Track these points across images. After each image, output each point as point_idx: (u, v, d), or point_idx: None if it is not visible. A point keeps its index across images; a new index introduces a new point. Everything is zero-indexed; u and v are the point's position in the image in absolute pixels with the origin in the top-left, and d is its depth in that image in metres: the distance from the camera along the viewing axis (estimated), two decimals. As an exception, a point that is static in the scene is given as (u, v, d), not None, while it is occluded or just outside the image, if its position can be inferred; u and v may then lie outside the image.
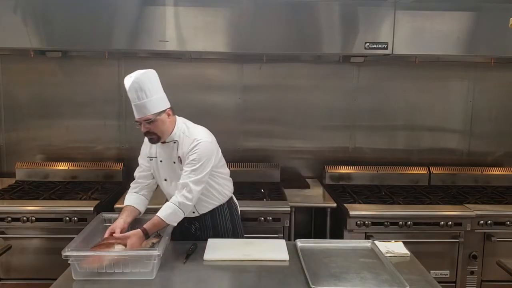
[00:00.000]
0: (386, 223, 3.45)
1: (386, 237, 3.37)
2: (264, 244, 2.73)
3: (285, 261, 2.54)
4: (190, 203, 2.66)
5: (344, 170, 4.29)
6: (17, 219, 3.40)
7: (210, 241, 2.75)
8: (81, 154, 4.31)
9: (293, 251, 2.66)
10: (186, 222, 2.87)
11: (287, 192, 3.84)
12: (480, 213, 3.50)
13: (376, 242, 2.74)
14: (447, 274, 3.53)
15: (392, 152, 4.41)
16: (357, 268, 2.45)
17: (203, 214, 2.91)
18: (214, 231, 2.92)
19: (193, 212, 2.88)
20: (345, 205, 3.55)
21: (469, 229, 3.48)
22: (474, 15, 3.56)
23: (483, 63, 4.25)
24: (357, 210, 3.47)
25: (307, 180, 4.24)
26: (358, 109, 4.35)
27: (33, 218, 3.40)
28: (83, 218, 3.40)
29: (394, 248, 2.70)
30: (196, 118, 4.20)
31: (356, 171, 4.29)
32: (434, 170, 4.31)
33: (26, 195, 3.71)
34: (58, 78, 4.22)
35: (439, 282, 2.38)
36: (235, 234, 2.99)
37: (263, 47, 3.65)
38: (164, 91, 4.26)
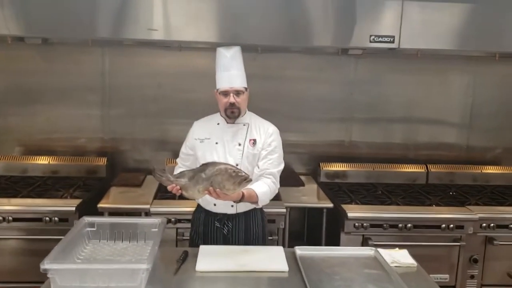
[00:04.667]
0: (385, 225, 3.30)
1: (384, 240, 3.28)
2: (261, 252, 2.55)
3: (284, 272, 2.36)
4: (276, 192, 2.72)
5: (339, 167, 4.13)
6: (-7, 219, 3.17)
7: (202, 248, 2.55)
8: (62, 147, 4.08)
9: (291, 259, 2.47)
10: (217, 222, 2.74)
11: (281, 190, 3.63)
12: (482, 216, 3.37)
13: (380, 250, 2.57)
14: (446, 278, 3.40)
15: (388, 147, 4.26)
16: (361, 280, 2.28)
17: (238, 214, 2.74)
18: (245, 234, 2.77)
19: (232, 206, 2.71)
20: (342, 206, 3.39)
21: (471, 232, 3.35)
22: (485, 8, 3.38)
23: (485, 57, 4.10)
24: (355, 212, 3.31)
25: (301, 177, 4.06)
26: (354, 102, 4.19)
27: (10, 218, 3.17)
28: (64, 219, 3.20)
29: (400, 257, 2.53)
30: (186, 109, 4.06)
31: (351, 169, 4.13)
32: (432, 168, 4.18)
33: (2, 192, 3.46)
34: (38, 66, 3.96)
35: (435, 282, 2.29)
36: (264, 240, 2.85)
37: (257, 38, 3.44)
38: (152, 81, 4.11)
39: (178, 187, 2.45)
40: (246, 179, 2.39)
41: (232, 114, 2.69)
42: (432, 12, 3.31)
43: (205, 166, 2.45)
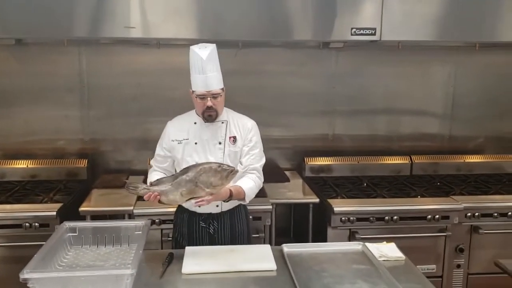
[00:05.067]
0: (371, 218, 3.29)
1: (371, 233, 3.28)
2: (248, 252, 2.50)
3: (272, 271, 2.32)
4: (261, 186, 2.72)
5: (324, 161, 4.11)
6: (-30, 227, 3.07)
7: (188, 250, 2.50)
8: (41, 150, 3.97)
9: (279, 257, 2.44)
10: (203, 222, 2.70)
11: (266, 186, 3.59)
12: (467, 206, 3.38)
13: (367, 245, 2.55)
14: (433, 269, 3.41)
15: (372, 140, 4.25)
16: (351, 276, 2.25)
17: (223, 213, 2.70)
18: (231, 232, 2.73)
19: (217, 206, 2.67)
20: (328, 200, 3.37)
21: (457, 222, 3.36)
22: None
23: (466, 47, 4.10)
24: (342, 206, 3.28)
25: (285, 172, 4.03)
26: (337, 95, 4.16)
27: (-12, 225, 3.07)
28: (45, 224, 3.11)
29: (387, 251, 2.52)
30: (167, 107, 3.97)
31: (336, 162, 4.11)
32: (416, 159, 4.18)
33: (-20, 199, 3.36)
34: (12, 67, 3.84)
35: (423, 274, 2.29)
36: (249, 237, 2.83)
37: (237, 34, 3.39)
38: (131, 80, 4.03)
39: (156, 193, 2.38)
40: (232, 171, 2.37)
41: (209, 117, 2.61)
42: (413, 3, 3.30)
43: (186, 169, 2.41)
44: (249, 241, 2.84)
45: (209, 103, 2.57)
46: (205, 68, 2.54)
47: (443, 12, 3.39)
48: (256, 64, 3.99)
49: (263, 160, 2.75)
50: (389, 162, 4.16)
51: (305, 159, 4.11)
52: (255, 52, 3.95)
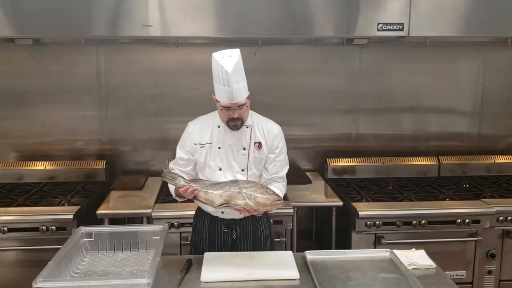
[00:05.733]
0: (398, 223, 3.15)
1: (398, 238, 3.15)
2: (269, 258, 2.40)
3: (295, 279, 2.21)
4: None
5: (347, 162, 3.97)
6: (-13, 230, 3.03)
7: (207, 256, 2.41)
8: (59, 151, 3.93)
9: (302, 265, 2.33)
10: (225, 227, 2.59)
11: (287, 189, 3.47)
12: (499, 209, 3.22)
13: (395, 252, 2.42)
14: (463, 275, 3.26)
15: (398, 139, 4.10)
16: (378, 286, 2.13)
17: (245, 218, 2.59)
18: (254, 237, 2.63)
19: (240, 213, 2.52)
20: (353, 203, 3.24)
21: (488, 226, 3.20)
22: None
23: (495, 42, 3.93)
24: (367, 210, 3.15)
25: (307, 173, 3.91)
26: (360, 93, 4.02)
27: (5, 228, 3.02)
28: (62, 227, 3.05)
29: (417, 258, 2.38)
30: (186, 107, 3.90)
31: (360, 163, 3.97)
32: (444, 160, 4.01)
33: (-3, 201, 3.33)
34: (30, 68, 3.80)
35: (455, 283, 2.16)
36: (271, 243, 2.72)
37: (257, 31, 3.27)
38: (150, 80, 3.96)
39: (194, 187, 2.31)
40: (280, 202, 2.29)
41: (235, 127, 2.47)
42: (443, -4, 3.15)
43: (235, 180, 2.38)
44: (271, 246, 2.73)
45: (235, 115, 2.42)
46: (231, 80, 2.33)
47: (473, 5, 3.22)
48: (276, 62, 3.87)
49: (288, 167, 2.66)
50: (416, 163, 4.00)
51: (327, 160, 3.98)
52: (275, 50, 3.84)
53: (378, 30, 3.07)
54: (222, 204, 2.31)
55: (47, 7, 3.12)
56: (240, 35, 3.24)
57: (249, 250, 2.59)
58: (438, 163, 4.00)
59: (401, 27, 3.07)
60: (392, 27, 3.06)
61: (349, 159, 3.99)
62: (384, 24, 3.07)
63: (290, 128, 3.91)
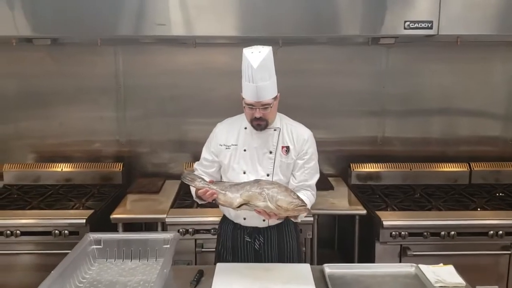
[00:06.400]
0: (425, 233, 2.96)
1: (424, 250, 2.98)
2: (284, 271, 2.26)
3: (311, 295, 2.07)
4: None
5: (372, 168, 3.79)
6: (0, 233, 2.97)
7: (219, 267, 2.29)
8: (76, 152, 3.88)
9: (320, 279, 2.19)
10: (247, 236, 2.47)
11: (308, 195, 3.35)
12: (536, 220, 3.00)
13: (421, 267, 2.25)
14: (495, 291, 3.05)
15: (426, 144, 3.90)
16: (401, 306, 1.98)
17: (270, 227, 2.46)
18: (279, 249, 2.48)
19: (263, 220, 2.42)
20: (377, 212, 3.07)
21: (523, 239, 2.99)
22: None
23: (530, 42, 3.68)
24: (392, 220, 2.98)
25: (329, 179, 3.75)
26: (387, 95, 3.84)
27: (17, 232, 2.97)
28: (75, 232, 2.98)
29: (445, 275, 2.20)
30: (205, 108, 3.81)
31: (385, 169, 3.78)
32: (475, 167, 3.79)
33: (12, 204, 3.29)
34: (48, 68, 3.76)
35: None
36: (299, 255, 2.57)
37: (278, 30, 3.13)
38: (168, 80, 3.87)
39: (213, 190, 2.22)
40: (304, 208, 2.15)
41: (258, 126, 2.37)
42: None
43: (257, 180, 2.26)
44: (299, 258, 2.58)
45: (258, 114, 2.32)
46: (256, 77, 2.25)
47: (508, 3, 3.00)
48: (298, 63, 3.71)
49: (318, 175, 2.52)
50: (445, 169, 3.79)
51: (351, 165, 3.80)
52: (297, 49, 3.70)
53: (405, 28, 2.87)
54: (241, 205, 2.18)
55: (64, 6, 3.05)
56: (259, 35, 3.10)
57: (274, 262, 2.45)
58: (469, 169, 3.78)
59: (430, 25, 2.87)
60: (420, 25, 2.86)
61: (374, 165, 3.80)
62: (411, 22, 2.88)
63: (312, 130, 3.76)
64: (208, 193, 2.24)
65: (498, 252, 3.01)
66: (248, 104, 2.32)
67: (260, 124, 2.36)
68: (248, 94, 2.30)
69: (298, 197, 2.17)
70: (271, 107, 2.34)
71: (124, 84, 3.81)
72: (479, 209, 3.19)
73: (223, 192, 2.22)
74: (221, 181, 2.36)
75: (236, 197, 2.18)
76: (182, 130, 3.87)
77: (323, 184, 3.57)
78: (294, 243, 2.53)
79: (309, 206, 2.34)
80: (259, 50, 2.27)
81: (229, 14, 3.07)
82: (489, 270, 3.04)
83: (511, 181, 3.77)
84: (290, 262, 2.48)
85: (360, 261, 3.25)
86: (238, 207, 2.18)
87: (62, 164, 3.79)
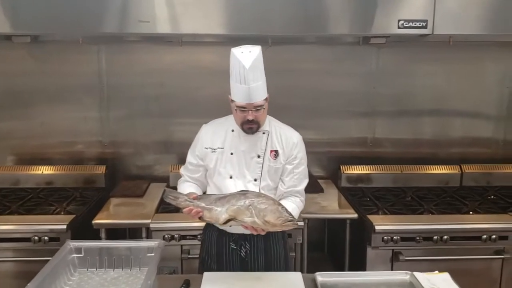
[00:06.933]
0: (418, 238, 2.89)
1: (417, 255, 2.92)
2: (276, 280, 2.17)
3: (303, 306, 1.99)
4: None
5: (362, 170, 3.71)
6: (-24, 240, 2.85)
7: (207, 276, 2.19)
8: (58, 154, 3.74)
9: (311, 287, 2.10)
10: (233, 243, 2.37)
11: (299, 198, 3.27)
12: (530, 224, 2.94)
13: (416, 274, 2.17)
14: (488, 295, 3.00)
15: (417, 145, 3.84)
16: (397, 317, 1.90)
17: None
18: (266, 257, 2.38)
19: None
20: (368, 216, 2.99)
21: (516, 242, 2.93)
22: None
23: (522, 42, 3.64)
24: (384, 224, 2.90)
25: (319, 181, 3.66)
26: (377, 95, 3.77)
27: (-6, 238, 2.84)
28: (55, 238, 2.85)
29: (440, 283, 2.13)
30: (192, 108, 3.70)
31: (376, 171, 3.71)
32: (466, 169, 3.73)
33: (-11, 209, 3.14)
34: (28, 67, 3.62)
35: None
36: (286, 262, 2.48)
37: (267, 29, 3.03)
38: (154, 80, 3.75)
39: (199, 209, 2.11)
40: (292, 222, 2.05)
41: (249, 130, 2.27)
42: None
43: (244, 191, 2.15)
44: (286, 266, 2.48)
45: (250, 117, 2.22)
46: (248, 78, 2.16)
47: (503, 2, 2.94)
48: (287, 62, 3.62)
49: (307, 180, 2.44)
50: (436, 171, 3.73)
51: (341, 167, 3.73)
52: (286, 49, 3.60)
53: (398, 27, 2.80)
54: (228, 220, 2.09)
55: (44, 2, 2.93)
56: (248, 33, 3.00)
57: (261, 270, 2.36)
58: (460, 171, 3.73)
59: (424, 24, 2.79)
60: (415, 24, 2.78)
61: (364, 167, 3.73)
62: (405, 21, 2.80)
63: (301, 131, 3.63)
64: (193, 211, 2.14)
65: (491, 256, 2.96)
66: (239, 107, 2.22)
67: (251, 127, 2.26)
68: (239, 96, 2.20)
69: (287, 211, 2.08)
70: (264, 108, 2.25)
71: (107, 84, 3.69)
72: (471, 213, 3.14)
73: (209, 207, 2.12)
74: (205, 195, 2.26)
75: (222, 213, 2.08)
76: (168, 131, 3.75)
77: (312, 187, 3.50)
78: (281, 250, 2.44)
79: (297, 214, 2.28)
80: (249, 50, 2.18)
81: (216, 11, 2.97)
82: (482, 274, 2.98)
83: (503, 183, 3.72)
84: (277, 269, 2.39)
85: (351, 266, 3.18)
86: (225, 223, 2.09)
87: (42, 167, 3.66)
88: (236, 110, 2.24)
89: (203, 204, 2.14)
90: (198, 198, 2.19)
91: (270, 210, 2.04)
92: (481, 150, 3.86)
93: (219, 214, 2.09)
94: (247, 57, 2.15)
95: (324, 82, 3.72)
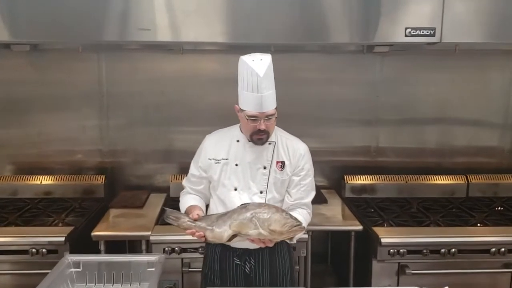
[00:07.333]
0: (425, 251, 2.82)
1: (424, 268, 2.85)
2: (278, 297, 2.11)
3: (308, 325, 1.92)
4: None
5: (366, 180, 3.65)
6: (-28, 253, 2.78)
7: (207, 292, 2.13)
8: (56, 164, 3.68)
9: (317, 305, 2.04)
10: (237, 259, 2.30)
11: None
12: (540, 237, 2.87)
13: (424, 291, 2.11)
14: (497, 310, 2.92)
15: (421, 154, 3.77)
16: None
17: (262, 248, 2.25)
18: (271, 271, 2.32)
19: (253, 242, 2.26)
20: (374, 228, 2.92)
21: (526, 255, 2.86)
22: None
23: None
24: (390, 237, 2.83)
25: (322, 191, 3.59)
26: (381, 104, 3.71)
27: (-9, 251, 2.77)
28: (53, 250, 2.78)
29: (449, 300, 2.07)
30: (193, 117, 3.64)
31: (380, 182, 3.64)
32: (472, 179, 3.66)
33: (-15, 220, 3.07)
34: (27, 75, 3.56)
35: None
36: (292, 276, 2.40)
37: (269, 37, 2.97)
38: (154, 88, 3.70)
39: (201, 233, 2.06)
40: (299, 227, 1.99)
41: (259, 141, 2.21)
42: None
43: (244, 204, 2.09)
44: (292, 281, 2.41)
45: (262, 126, 2.16)
46: (261, 86, 2.10)
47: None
48: (289, 71, 3.53)
49: (314, 192, 2.40)
50: (441, 182, 3.66)
51: (345, 177, 3.66)
52: (288, 57, 3.53)
53: (406, 35, 2.73)
54: (232, 237, 2.03)
55: (44, 10, 2.87)
56: (250, 41, 2.95)
57: (266, 286, 2.30)
58: (466, 182, 3.66)
59: (432, 32, 2.73)
60: (422, 32, 2.72)
61: (368, 177, 3.66)
62: (413, 28, 2.74)
63: (303, 140, 3.60)
64: (196, 235, 2.09)
65: (500, 270, 2.87)
66: (250, 116, 2.15)
67: (261, 138, 2.21)
68: (251, 105, 2.14)
69: (291, 216, 2.02)
70: (276, 117, 2.21)
71: (107, 92, 3.64)
72: (479, 225, 3.08)
73: (210, 228, 2.07)
74: (207, 216, 2.20)
75: (225, 230, 2.03)
76: (168, 139, 3.69)
77: (316, 197, 3.36)
78: (287, 265, 2.37)
79: (305, 226, 2.18)
80: (260, 58, 2.14)
81: (218, 19, 2.91)
82: (490, 288, 2.92)
83: (510, 194, 3.65)
84: (283, 285, 2.33)
85: (355, 279, 3.11)
86: (229, 240, 2.03)
87: (41, 177, 3.60)
88: (247, 120, 2.17)
89: (204, 225, 2.08)
90: (199, 218, 2.13)
91: (274, 218, 1.98)
92: (486, 159, 3.79)
93: (223, 232, 2.04)
94: (259, 65, 2.11)
95: (327, 90, 3.66)
